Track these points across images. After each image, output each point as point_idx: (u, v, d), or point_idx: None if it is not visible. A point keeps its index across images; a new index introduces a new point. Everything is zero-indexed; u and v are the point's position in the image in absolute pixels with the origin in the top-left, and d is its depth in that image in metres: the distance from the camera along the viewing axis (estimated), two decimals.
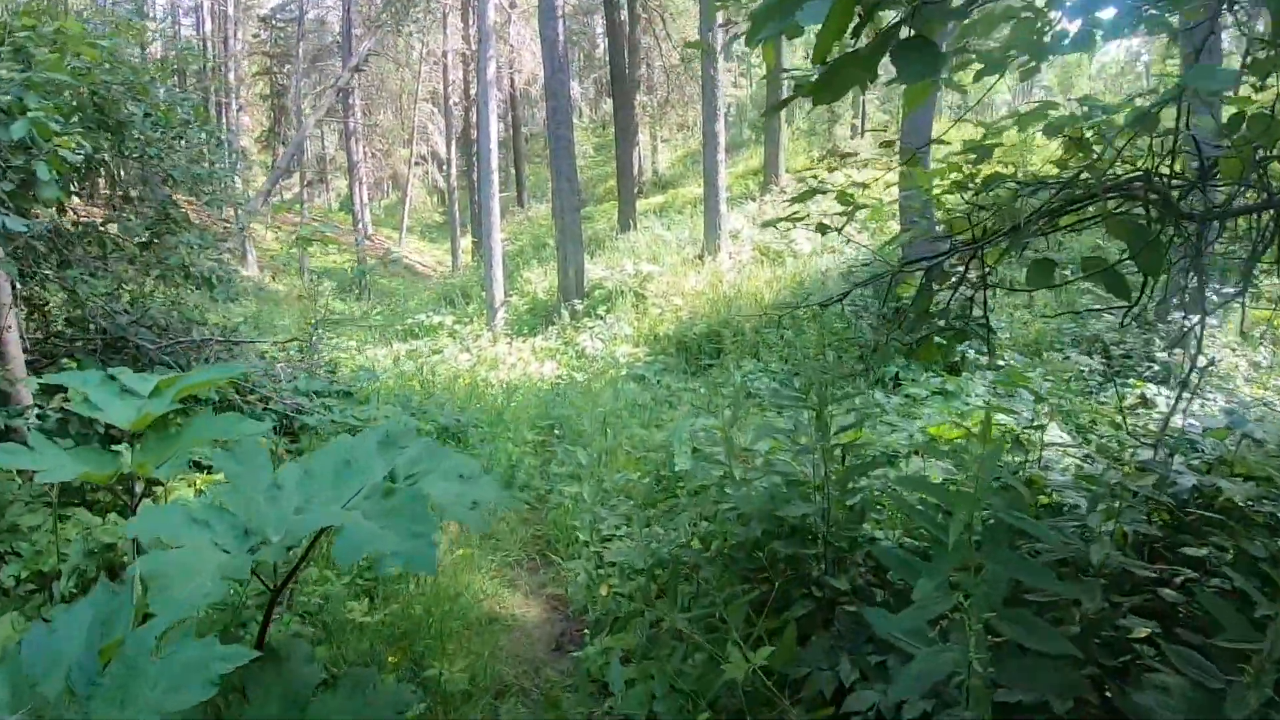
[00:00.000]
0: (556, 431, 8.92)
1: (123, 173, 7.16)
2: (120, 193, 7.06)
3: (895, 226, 18.21)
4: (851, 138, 26.12)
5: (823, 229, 3.55)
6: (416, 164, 39.62)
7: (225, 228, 8.28)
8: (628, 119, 23.00)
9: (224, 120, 26.98)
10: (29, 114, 4.08)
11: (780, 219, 3.56)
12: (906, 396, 11.00)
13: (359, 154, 32.02)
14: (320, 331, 8.50)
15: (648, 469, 6.60)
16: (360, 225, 30.59)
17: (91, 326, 6.31)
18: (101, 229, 6.82)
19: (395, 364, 14.06)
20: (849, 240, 17.71)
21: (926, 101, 14.92)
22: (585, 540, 4.15)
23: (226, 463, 2.26)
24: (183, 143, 7.09)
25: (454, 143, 33.13)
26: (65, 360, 5.92)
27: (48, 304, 6.68)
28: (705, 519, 3.56)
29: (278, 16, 35.42)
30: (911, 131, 14.77)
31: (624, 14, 24.10)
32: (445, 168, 34.32)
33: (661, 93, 29.46)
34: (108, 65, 6.07)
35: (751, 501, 3.10)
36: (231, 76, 27.34)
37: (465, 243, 32.19)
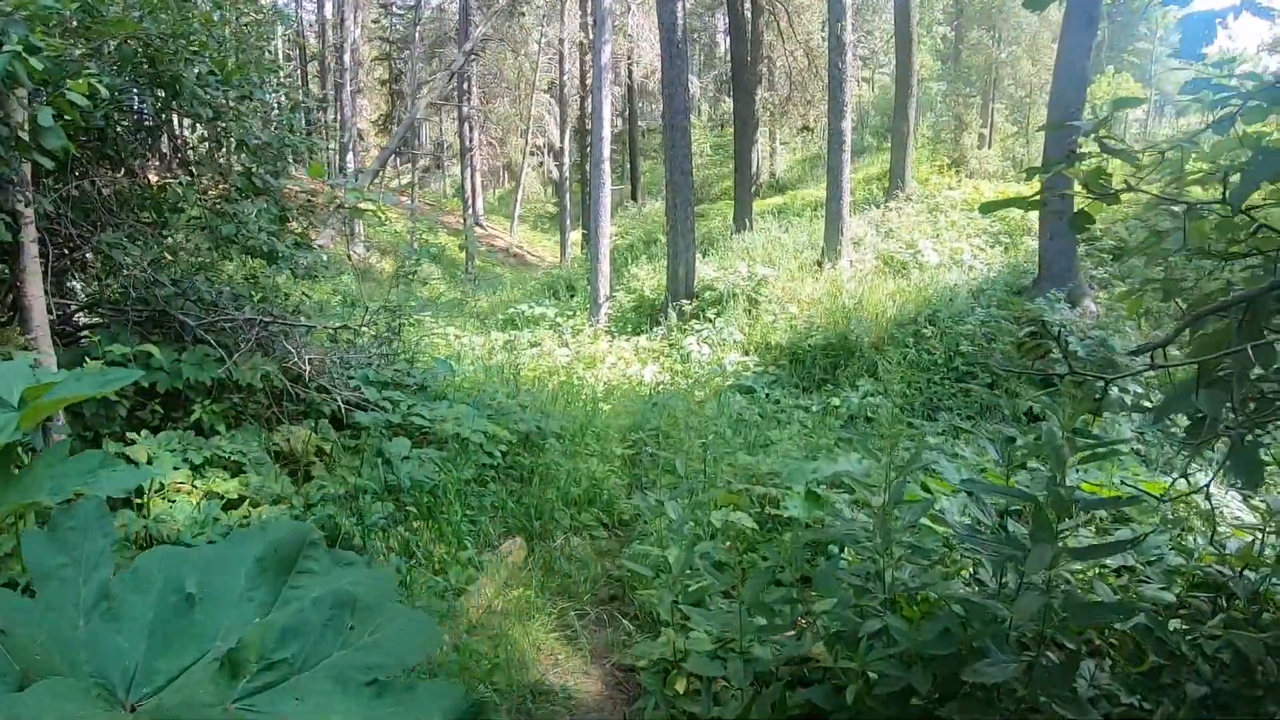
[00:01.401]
0: (649, 449, 7.92)
1: (185, 135, 6.45)
2: (179, 156, 6.34)
3: (1031, 243, 16.79)
4: (979, 148, 24.53)
5: (1083, 221, 2.43)
6: (531, 154, 39.26)
7: (309, 200, 7.57)
8: (748, 113, 21.85)
9: (340, 102, 26.97)
10: (5, 49, 3.28)
11: (1009, 201, 2.45)
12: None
13: (473, 140, 31.72)
14: (396, 316, 7.65)
15: (750, 507, 5.59)
16: (471, 211, 30.26)
17: (132, 297, 5.61)
18: (158, 193, 6.13)
19: (489, 354, 13.29)
20: (980, 253, 16.16)
21: (1076, 96, 13.47)
22: (665, 619, 3.16)
23: (37, 549, 1.32)
24: (250, 103, 6.33)
25: (568, 132, 32.54)
26: (86, 334, 5.24)
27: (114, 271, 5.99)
28: (834, 634, 2.51)
29: (397, 3, 35.48)
30: (1060, 119, 13.30)
31: (747, 3, 22.95)
32: (559, 158, 33.79)
33: (783, 90, 28.26)
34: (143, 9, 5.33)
35: (917, 637, 2.05)
36: (347, 58, 27.20)
37: (576, 236, 31.63)
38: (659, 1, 15.74)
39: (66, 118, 4.30)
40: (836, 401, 11.27)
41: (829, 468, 4.58)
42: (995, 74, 25.50)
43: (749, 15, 23.09)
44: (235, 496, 4.68)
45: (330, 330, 6.56)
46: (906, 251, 16.93)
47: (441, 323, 15.98)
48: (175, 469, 4.60)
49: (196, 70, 5.80)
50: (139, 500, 4.32)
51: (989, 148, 24.98)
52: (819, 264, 16.39)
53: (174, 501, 4.34)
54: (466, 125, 30.50)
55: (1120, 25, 35.60)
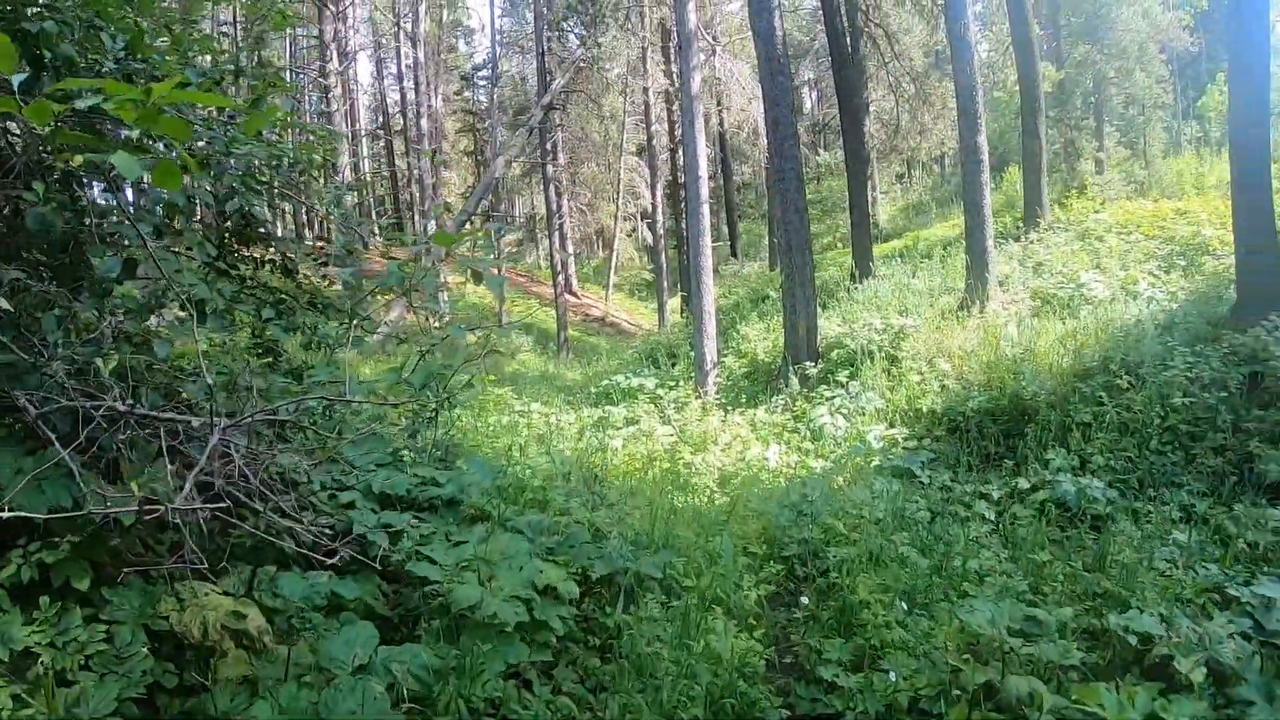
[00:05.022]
0: (799, 573, 5.28)
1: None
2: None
3: (1213, 262, 13.88)
4: (1098, 173, 21.71)
5: None
6: (624, 219, 37.85)
7: (320, 247, 5.57)
8: (858, 145, 19.22)
9: (419, 171, 26.05)
10: None
11: None
12: None
13: (561, 206, 30.22)
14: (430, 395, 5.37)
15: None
16: (561, 278, 28.49)
17: None
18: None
19: (578, 436, 10.98)
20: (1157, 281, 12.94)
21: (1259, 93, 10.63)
22: None
23: None
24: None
25: (659, 190, 30.83)
26: None
27: None
28: None
29: (478, 74, 34.92)
30: (1244, 129, 10.52)
31: (844, 22, 20.55)
32: (651, 219, 32.10)
33: (882, 132, 25.94)
34: None
35: None
36: (425, 124, 26.21)
37: (674, 302, 30.33)
38: (753, 12, 13.34)
39: None
40: (1024, 484, 8.49)
41: None
42: (1104, 92, 22.65)
43: (848, 35, 20.71)
44: None
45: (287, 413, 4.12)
46: (1067, 286, 14.07)
47: (525, 399, 13.73)
48: None
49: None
50: None
51: (1104, 173, 22.11)
52: (964, 308, 13.68)
53: None
54: (553, 189, 28.92)
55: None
